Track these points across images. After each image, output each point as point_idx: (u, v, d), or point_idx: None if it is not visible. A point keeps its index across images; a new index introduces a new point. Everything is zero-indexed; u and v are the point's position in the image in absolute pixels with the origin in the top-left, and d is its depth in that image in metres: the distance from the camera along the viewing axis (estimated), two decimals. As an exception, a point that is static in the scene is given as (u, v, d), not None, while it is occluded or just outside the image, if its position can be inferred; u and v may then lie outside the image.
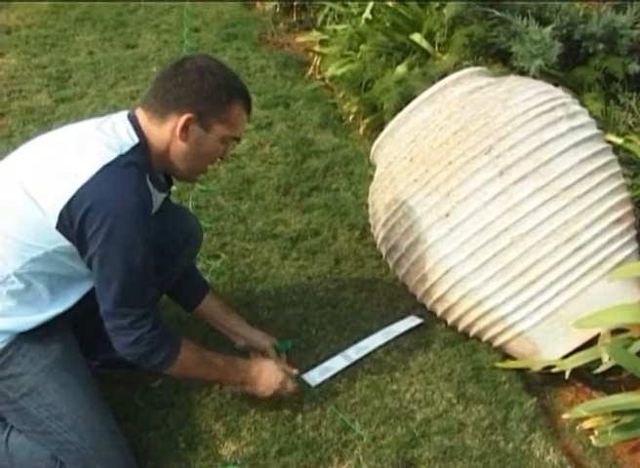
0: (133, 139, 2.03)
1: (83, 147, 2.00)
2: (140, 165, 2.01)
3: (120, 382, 2.45)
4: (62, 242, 1.97)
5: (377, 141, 2.82)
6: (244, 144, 3.97)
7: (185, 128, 2.05)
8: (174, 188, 2.81)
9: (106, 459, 2.07)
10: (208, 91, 2.06)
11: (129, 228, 1.94)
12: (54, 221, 1.92)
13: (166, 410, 2.37)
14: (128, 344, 2.05)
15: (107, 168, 1.93)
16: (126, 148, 2.00)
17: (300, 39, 5.45)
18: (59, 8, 6.26)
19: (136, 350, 2.06)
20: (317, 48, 5.07)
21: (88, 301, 2.16)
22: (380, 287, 2.96)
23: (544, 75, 3.38)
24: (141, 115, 2.09)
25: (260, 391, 2.34)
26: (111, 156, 1.95)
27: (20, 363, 2.06)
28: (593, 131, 2.57)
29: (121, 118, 2.09)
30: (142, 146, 2.05)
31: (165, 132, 2.07)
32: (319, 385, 2.47)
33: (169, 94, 2.05)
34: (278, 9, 6.05)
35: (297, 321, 2.74)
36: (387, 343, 2.65)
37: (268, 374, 2.34)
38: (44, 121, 4.25)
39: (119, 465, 2.10)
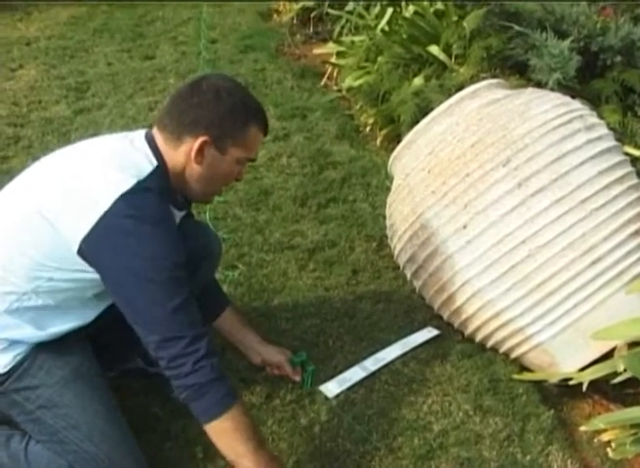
0: (151, 163, 2.00)
1: (102, 172, 1.95)
2: (159, 189, 1.96)
3: (139, 392, 2.46)
4: (84, 265, 1.94)
5: (394, 153, 2.83)
6: (262, 156, 3.98)
7: (201, 151, 2.02)
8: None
9: None
10: (224, 113, 2.02)
11: (159, 255, 1.90)
12: (75, 247, 1.90)
13: (184, 421, 2.37)
14: (187, 373, 1.90)
15: (126, 195, 1.88)
16: (144, 174, 1.95)
17: (317, 51, 5.48)
18: (77, 19, 6.32)
19: (196, 379, 1.91)
20: (334, 59, 5.10)
21: (106, 314, 2.17)
22: (397, 298, 2.96)
23: (562, 88, 3.39)
24: (158, 136, 2.05)
25: None
26: (130, 183, 1.90)
27: (37, 375, 2.06)
28: (611, 143, 2.57)
29: (139, 139, 2.06)
30: (161, 169, 2.01)
31: (180, 154, 2.03)
32: (336, 396, 2.47)
33: (184, 115, 2.02)
34: (295, 20, 6.09)
35: (314, 332, 2.74)
36: (405, 355, 2.65)
37: None
38: (62, 132, 4.28)
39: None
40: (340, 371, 2.57)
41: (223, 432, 2.00)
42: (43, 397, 2.06)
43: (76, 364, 2.12)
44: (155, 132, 2.06)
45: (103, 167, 1.96)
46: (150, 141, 2.04)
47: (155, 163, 2.00)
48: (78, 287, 2.04)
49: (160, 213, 1.95)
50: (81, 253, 1.91)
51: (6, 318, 2.02)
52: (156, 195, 1.94)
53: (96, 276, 1.95)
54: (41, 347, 2.08)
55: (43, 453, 2.10)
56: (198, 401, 1.95)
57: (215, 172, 2.08)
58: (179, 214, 2.20)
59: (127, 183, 1.89)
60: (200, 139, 2.00)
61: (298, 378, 2.53)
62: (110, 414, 2.12)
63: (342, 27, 5.34)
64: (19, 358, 2.05)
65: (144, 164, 1.98)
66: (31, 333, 2.05)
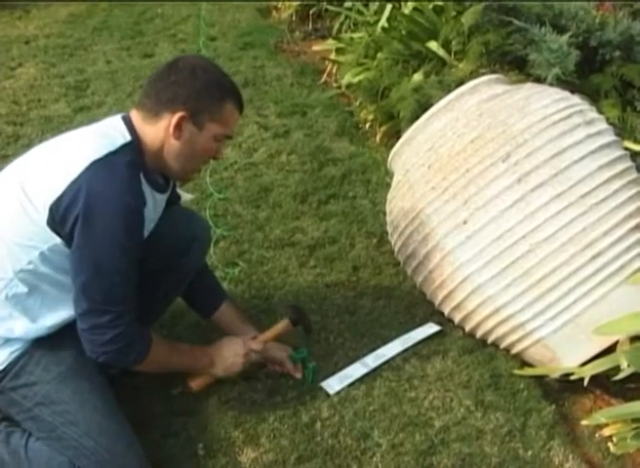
0: (125, 138, 2.06)
1: (76, 147, 2.05)
2: (130, 162, 2.03)
3: (140, 389, 2.46)
4: (55, 239, 1.99)
5: (394, 149, 2.83)
6: (262, 153, 3.99)
7: (179, 126, 2.08)
8: (192, 197, 2.85)
9: (122, 464, 2.07)
10: (200, 89, 2.09)
11: (111, 224, 1.96)
12: (44, 217, 1.96)
13: (185, 418, 2.38)
14: (103, 343, 2.03)
15: (96, 163, 1.96)
16: (116, 145, 2.02)
17: (317, 47, 5.47)
18: (76, 17, 6.32)
19: (111, 347, 2.04)
20: (333, 56, 5.09)
21: None
22: (397, 294, 2.96)
23: (561, 82, 3.39)
24: (135, 115, 2.12)
25: (229, 365, 2.37)
26: (101, 153, 1.98)
27: (34, 372, 2.09)
28: (611, 138, 2.57)
29: (116, 119, 2.13)
30: (135, 145, 2.08)
31: (159, 130, 2.09)
32: (337, 393, 2.47)
33: (162, 92, 2.09)
34: (294, 17, 6.09)
35: (315, 328, 2.73)
36: (405, 351, 2.65)
37: (230, 347, 2.39)
38: (62, 130, 4.20)
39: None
40: (341, 368, 2.58)
41: (153, 367, 2.23)
42: (40, 394, 2.08)
43: (72, 360, 2.14)
44: (133, 112, 2.14)
45: (79, 143, 2.06)
46: (127, 121, 2.12)
47: (129, 138, 2.07)
48: (57, 269, 2.06)
49: (125, 184, 2.01)
50: (50, 222, 1.96)
51: None
52: (125, 166, 2.01)
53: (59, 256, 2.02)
54: (37, 344, 2.10)
55: (43, 450, 2.11)
56: (114, 364, 2.15)
57: (193, 147, 2.14)
58: (160, 197, 2.24)
59: (97, 153, 1.98)
60: (178, 115, 2.07)
61: (299, 375, 2.53)
62: (108, 409, 2.14)
63: (342, 24, 5.35)
64: (15, 355, 2.07)
65: (118, 139, 2.06)
66: (25, 327, 2.08)
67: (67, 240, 1.98)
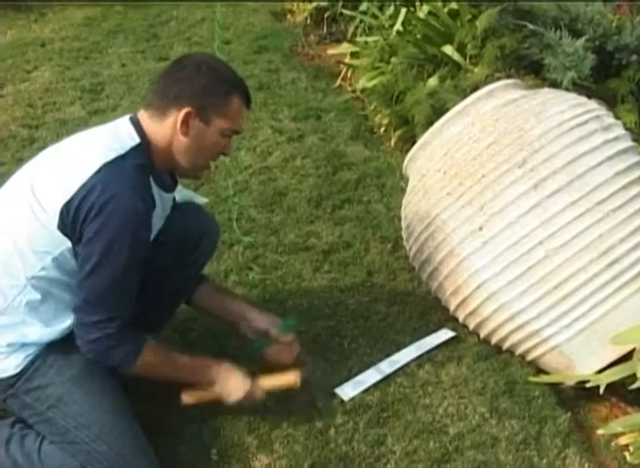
0: (133, 140, 2.08)
1: (86, 150, 2.07)
2: (139, 165, 2.05)
3: (153, 396, 2.46)
4: (66, 244, 2.01)
5: (409, 154, 2.82)
6: (276, 157, 3.99)
7: (186, 122, 2.09)
8: (205, 201, 2.84)
9: (134, 467, 2.08)
10: (206, 84, 2.10)
11: (118, 228, 1.98)
12: (55, 221, 1.98)
13: (199, 424, 2.38)
14: (87, 341, 2.05)
15: (106, 167, 1.98)
16: (125, 149, 2.04)
17: (331, 51, 5.45)
18: (92, 21, 6.31)
19: (95, 347, 2.06)
20: (348, 60, 5.07)
21: None
22: (412, 300, 2.95)
23: (577, 87, 3.38)
24: (143, 115, 2.14)
25: (226, 395, 2.29)
26: (110, 157, 2.00)
27: (47, 374, 2.09)
28: (628, 143, 2.55)
29: (124, 121, 2.15)
30: (144, 146, 2.09)
31: (166, 128, 2.11)
32: (352, 399, 2.47)
33: (168, 89, 2.11)
34: (309, 21, 6.05)
35: (329, 334, 2.74)
36: (420, 357, 2.64)
37: (236, 383, 2.29)
38: (77, 133, 4.28)
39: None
40: (356, 374, 2.57)
41: (146, 374, 2.19)
42: (53, 396, 2.08)
43: (85, 362, 2.14)
44: (141, 112, 2.16)
45: (88, 146, 2.08)
46: (134, 122, 2.13)
47: (138, 140, 2.08)
48: (68, 274, 2.07)
49: (135, 188, 2.03)
50: (60, 226, 1.98)
51: (13, 315, 2.06)
52: (134, 169, 2.03)
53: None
54: (51, 347, 2.11)
55: (56, 454, 2.11)
56: (100, 362, 2.12)
57: (201, 143, 2.15)
58: (167, 196, 2.26)
59: (106, 157, 2.01)
60: (184, 110, 2.08)
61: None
62: (121, 413, 2.15)
63: (356, 28, 5.32)
64: (29, 358, 2.08)
65: (127, 141, 2.08)
66: (39, 332, 2.08)
67: (77, 243, 2.00)
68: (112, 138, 2.08)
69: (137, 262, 2.05)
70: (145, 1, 6.70)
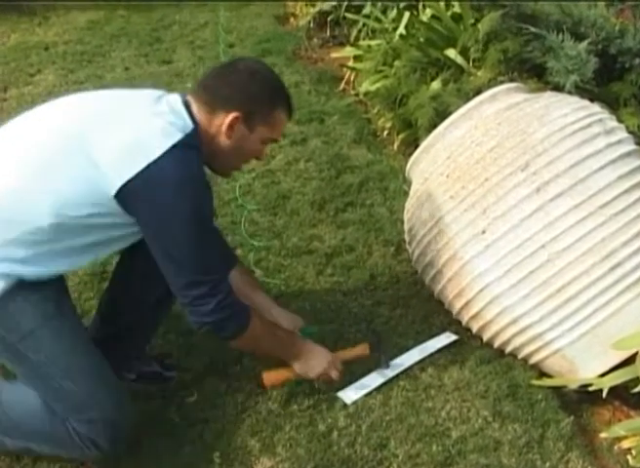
0: (188, 125, 2.10)
1: (149, 121, 2.07)
2: (199, 149, 2.10)
3: (155, 397, 2.47)
4: (113, 209, 2.02)
5: (412, 157, 2.82)
6: (279, 160, 3.99)
7: (232, 126, 2.15)
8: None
9: (101, 406, 2.10)
10: (257, 93, 2.18)
11: (192, 204, 2.04)
12: (113, 191, 1.98)
13: (201, 426, 2.38)
14: (208, 312, 2.11)
15: (174, 149, 2.00)
16: (188, 131, 2.07)
17: (334, 54, 5.46)
18: (95, 24, 6.34)
19: (214, 316, 2.12)
20: (351, 63, 5.08)
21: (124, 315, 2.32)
22: (415, 303, 2.95)
23: (580, 90, 3.37)
24: (192, 103, 2.16)
25: (309, 368, 2.39)
26: (176, 136, 2.03)
27: (24, 307, 2.08)
28: (631, 147, 2.55)
29: (177, 100, 2.15)
30: (196, 133, 2.12)
31: (212, 126, 2.15)
32: (354, 402, 2.47)
33: (219, 91, 2.16)
34: (312, 24, 6.06)
35: (332, 337, 2.73)
36: (423, 360, 2.64)
37: (320, 356, 2.42)
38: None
39: (113, 412, 2.12)
40: (358, 377, 2.56)
41: (251, 343, 2.30)
42: (26, 328, 2.08)
43: (58, 302, 2.16)
44: (190, 99, 2.17)
45: (149, 116, 2.09)
46: (187, 107, 2.15)
47: (191, 125, 2.11)
48: (88, 230, 2.08)
49: (200, 169, 2.11)
50: (119, 196, 1.99)
51: (10, 248, 2.04)
52: (198, 152, 2.09)
53: (108, 221, 2.06)
54: (29, 284, 2.09)
55: (16, 390, 2.19)
56: (218, 333, 2.20)
57: (241, 147, 2.22)
58: None
59: (174, 137, 2.03)
60: (232, 115, 2.14)
61: None
62: (90, 351, 2.17)
63: (359, 31, 5.33)
64: (7, 289, 2.06)
65: (187, 122, 2.10)
66: (26, 270, 2.07)
67: (140, 218, 2.04)
68: (173, 116, 2.09)
69: (212, 226, 2.17)
70: (149, 4, 6.72)
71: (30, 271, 2.07)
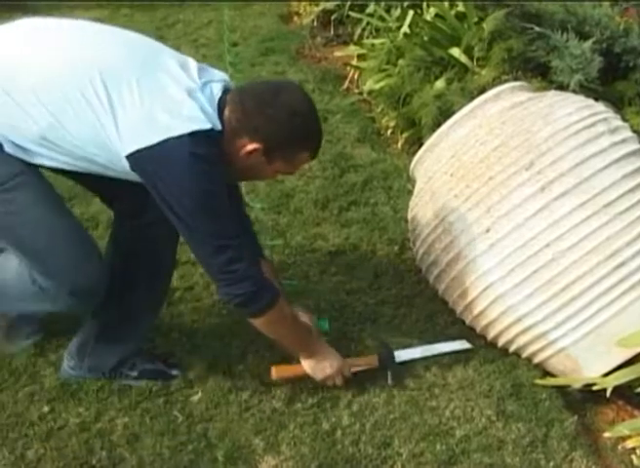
0: (219, 125, 2.08)
1: (182, 97, 2.02)
2: (218, 148, 2.08)
3: (159, 395, 2.46)
4: (121, 162, 2.02)
5: (416, 156, 2.82)
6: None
7: (250, 154, 2.13)
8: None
9: (58, 259, 2.14)
10: (287, 136, 2.13)
11: (204, 179, 2.02)
12: (125, 151, 1.98)
13: (205, 424, 2.38)
14: (238, 280, 2.11)
15: (197, 134, 1.99)
16: (217, 128, 2.07)
17: (338, 53, 5.46)
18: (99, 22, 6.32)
19: (247, 288, 2.13)
20: (355, 62, 5.08)
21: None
22: (419, 302, 2.95)
23: (584, 89, 3.37)
24: (226, 108, 2.11)
25: (318, 369, 2.41)
26: (205, 125, 2.01)
27: (21, 183, 2.09)
28: (635, 146, 2.55)
29: (217, 92, 2.12)
30: (219, 138, 2.09)
31: (233, 142, 2.12)
32: (357, 401, 2.46)
33: (252, 117, 2.10)
34: (316, 23, 6.06)
35: (335, 336, 2.73)
36: (427, 359, 2.64)
37: (332, 359, 2.43)
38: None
39: (87, 270, 2.17)
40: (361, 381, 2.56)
41: (275, 326, 2.30)
42: (16, 202, 2.10)
43: (49, 186, 2.19)
44: (227, 101, 2.12)
45: (183, 93, 2.03)
46: (222, 108, 2.11)
47: (219, 127, 2.09)
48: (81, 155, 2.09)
49: (218, 158, 2.07)
50: (131, 159, 1.99)
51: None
52: (218, 150, 2.07)
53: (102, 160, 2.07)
54: (31, 165, 2.11)
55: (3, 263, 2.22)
56: (247, 306, 2.20)
57: (254, 170, 2.24)
58: None
59: (202, 124, 2.00)
60: (255, 145, 2.12)
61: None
62: (77, 229, 2.23)
63: (363, 30, 5.33)
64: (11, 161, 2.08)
65: (216, 122, 2.07)
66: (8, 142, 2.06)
67: (155, 190, 2.03)
68: (208, 104, 2.06)
69: (224, 202, 2.10)
70: (152, 3, 6.72)
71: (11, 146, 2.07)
